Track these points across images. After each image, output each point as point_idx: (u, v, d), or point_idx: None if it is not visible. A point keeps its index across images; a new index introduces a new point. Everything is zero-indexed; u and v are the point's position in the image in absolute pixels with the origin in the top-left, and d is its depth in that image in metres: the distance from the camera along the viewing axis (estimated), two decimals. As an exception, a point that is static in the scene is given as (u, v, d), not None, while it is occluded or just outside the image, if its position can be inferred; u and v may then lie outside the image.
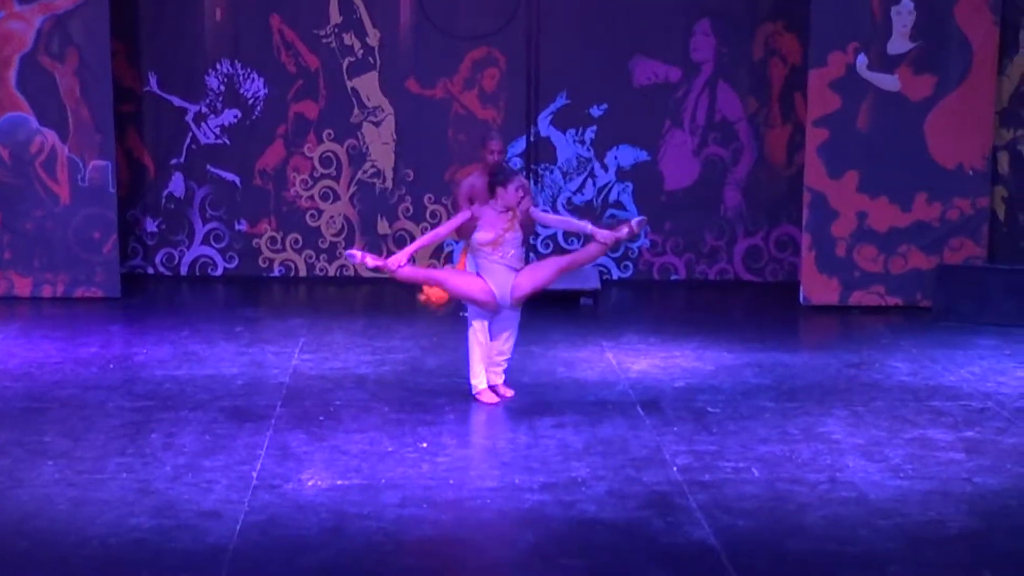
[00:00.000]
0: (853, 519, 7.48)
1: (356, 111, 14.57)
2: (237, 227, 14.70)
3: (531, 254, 14.34)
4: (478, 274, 9.64)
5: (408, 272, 9.63)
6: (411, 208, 14.60)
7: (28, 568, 6.85)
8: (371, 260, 9.54)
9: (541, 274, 9.67)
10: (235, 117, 14.55)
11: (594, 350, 11.48)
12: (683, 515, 7.53)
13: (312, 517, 7.45)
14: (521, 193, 9.59)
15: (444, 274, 9.95)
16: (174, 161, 14.59)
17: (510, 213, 9.59)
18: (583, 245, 9.78)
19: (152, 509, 7.53)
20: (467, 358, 9.82)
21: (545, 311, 13.06)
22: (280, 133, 14.58)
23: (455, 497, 7.84)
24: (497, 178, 9.60)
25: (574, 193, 14.69)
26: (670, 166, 14.69)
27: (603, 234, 9.63)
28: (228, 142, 14.58)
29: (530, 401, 9.81)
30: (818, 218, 13.26)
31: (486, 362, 9.80)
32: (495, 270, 9.54)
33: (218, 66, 14.47)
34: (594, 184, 14.70)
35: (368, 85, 14.54)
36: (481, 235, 9.56)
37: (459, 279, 9.68)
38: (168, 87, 14.50)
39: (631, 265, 14.79)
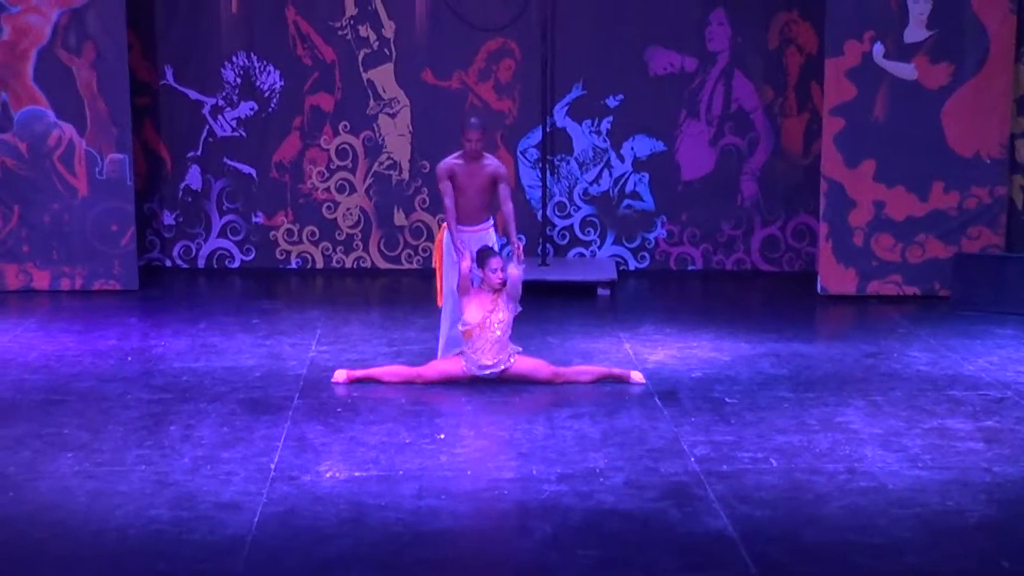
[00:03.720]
0: (871, 509, 7.47)
1: (372, 103, 14.58)
2: (254, 219, 14.72)
3: (548, 246, 14.35)
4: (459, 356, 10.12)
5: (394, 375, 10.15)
6: (427, 200, 14.60)
7: (47, 559, 6.87)
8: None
9: (531, 366, 10.09)
10: (251, 110, 14.57)
11: (611, 341, 11.48)
12: (701, 505, 7.53)
13: (330, 508, 7.46)
14: (501, 275, 9.92)
15: (429, 370, 10.19)
16: (191, 154, 14.62)
17: (496, 294, 9.93)
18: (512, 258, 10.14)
19: (170, 501, 7.55)
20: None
21: (562, 302, 13.08)
22: (296, 125, 14.60)
23: (472, 488, 7.85)
24: (477, 261, 10.03)
25: (591, 184, 14.69)
26: (686, 156, 14.68)
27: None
28: (244, 135, 14.60)
29: (547, 392, 9.81)
30: (835, 207, 13.24)
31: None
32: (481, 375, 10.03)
33: (234, 59, 14.49)
34: (611, 175, 14.69)
35: (384, 77, 14.55)
36: (469, 316, 9.92)
37: (440, 372, 10.10)
38: (184, 80, 14.52)
39: (648, 255, 14.79)
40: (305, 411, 9.32)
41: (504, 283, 9.90)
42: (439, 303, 10.55)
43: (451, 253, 10.45)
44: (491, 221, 10.67)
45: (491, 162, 10.56)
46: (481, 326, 9.88)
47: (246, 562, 6.78)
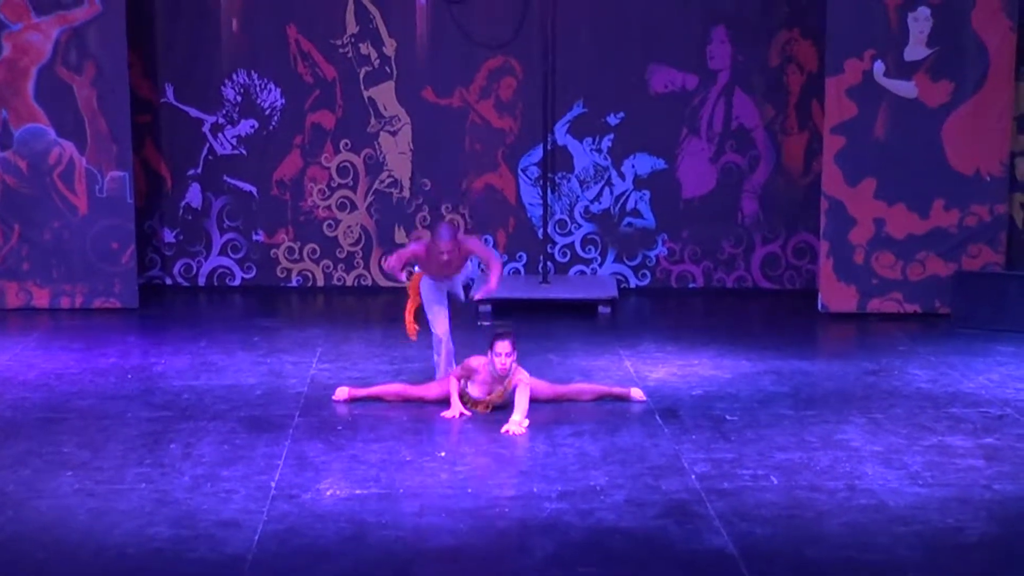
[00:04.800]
0: (872, 526, 7.47)
1: (373, 121, 14.59)
2: (254, 237, 14.72)
3: (549, 263, 14.34)
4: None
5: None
6: (428, 217, 14.60)
7: (47, 578, 6.87)
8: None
9: (533, 387, 9.82)
10: (252, 127, 14.57)
11: (612, 359, 11.47)
12: (701, 523, 7.52)
13: (331, 526, 7.45)
14: (507, 361, 9.57)
15: (429, 392, 10.09)
16: (191, 172, 14.62)
17: (503, 383, 9.67)
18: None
19: (171, 519, 7.54)
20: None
21: (563, 320, 13.07)
22: (297, 143, 14.60)
23: (473, 506, 7.84)
24: (491, 343, 9.69)
25: (591, 202, 14.69)
26: (687, 174, 14.68)
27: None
28: (245, 152, 14.61)
29: (548, 410, 9.79)
30: (836, 225, 13.24)
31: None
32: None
33: (234, 77, 14.49)
34: (611, 192, 14.69)
35: (385, 95, 14.56)
36: (471, 389, 9.78)
37: (442, 394, 9.93)
38: (185, 98, 14.53)
39: (649, 273, 14.78)
40: (306, 429, 9.31)
41: (508, 371, 9.60)
42: (412, 336, 10.55)
43: (431, 291, 10.42)
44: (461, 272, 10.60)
45: (461, 253, 10.28)
46: (485, 403, 9.76)
47: (246, 580, 6.78)
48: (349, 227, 14.72)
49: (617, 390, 10.15)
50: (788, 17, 14.41)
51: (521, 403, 9.41)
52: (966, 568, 6.99)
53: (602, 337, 12.42)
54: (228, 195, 14.67)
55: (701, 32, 14.48)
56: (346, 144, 14.60)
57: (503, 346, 9.56)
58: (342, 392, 10.09)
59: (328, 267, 14.76)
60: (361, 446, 8.91)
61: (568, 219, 14.72)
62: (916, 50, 13.05)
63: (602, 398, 10.06)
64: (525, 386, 9.54)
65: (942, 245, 13.21)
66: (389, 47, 14.49)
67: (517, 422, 9.27)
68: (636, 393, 10.09)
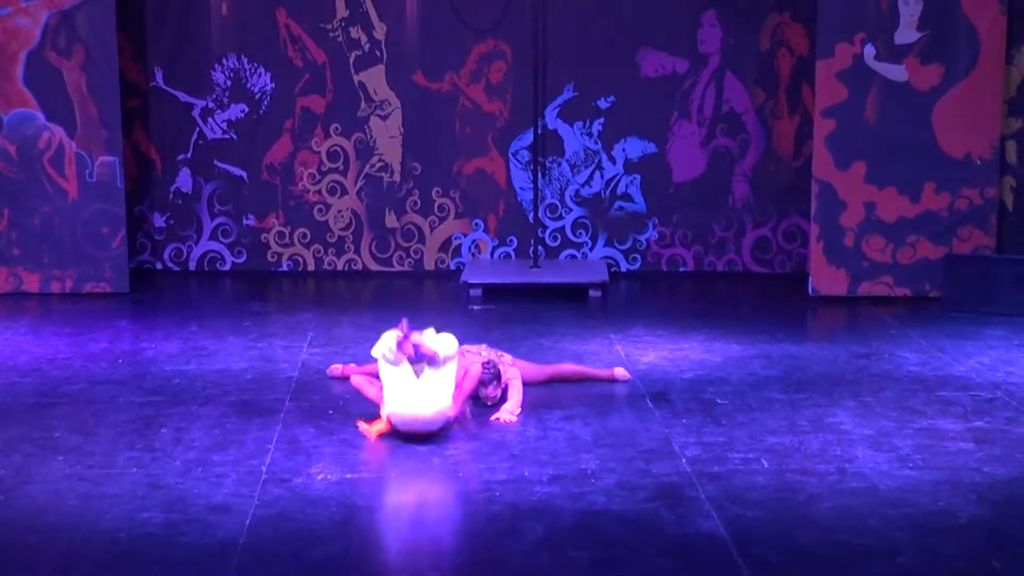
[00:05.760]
0: (863, 509, 7.48)
1: (363, 105, 14.57)
2: (245, 222, 14.70)
3: (540, 248, 14.34)
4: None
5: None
6: (419, 201, 14.60)
7: (38, 563, 6.86)
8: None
9: (522, 372, 9.74)
10: (242, 112, 14.55)
11: (602, 342, 11.48)
12: (692, 506, 7.53)
13: (322, 511, 7.45)
14: (490, 402, 9.44)
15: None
16: (181, 156, 14.60)
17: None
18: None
19: (162, 503, 7.55)
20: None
21: (553, 304, 13.07)
22: (287, 127, 14.58)
23: (464, 490, 7.85)
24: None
25: (582, 186, 14.68)
26: (678, 158, 14.67)
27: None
28: (235, 137, 14.58)
29: (539, 394, 9.80)
30: (826, 209, 13.25)
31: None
32: None
33: (224, 61, 14.47)
34: (602, 176, 14.68)
35: (375, 79, 14.54)
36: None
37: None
38: (174, 82, 14.50)
39: (639, 257, 14.78)
40: (297, 414, 9.31)
41: (496, 403, 9.48)
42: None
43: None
44: None
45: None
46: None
47: (237, 565, 6.77)
48: (340, 211, 14.70)
49: (601, 372, 10.16)
50: (778, 1, 14.40)
51: (514, 395, 9.42)
52: (956, 550, 7.00)
53: (593, 321, 12.43)
54: (218, 179, 14.65)
55: (692, 16, 14.46)
56: (336, 128, 14.59)
57: (488, 391, 9.48)
58: (336, 369, 10.14)
59: (319, 251, 14.75)
60: (352, 431, 8.91)
61: (559, 203, 14.71)
62: (906, 33, 13.05)
63: (584, 380, 10.07)
64: (518, 381, 9.54)
65: (932, 228, 13.21)
66: (379, 31, 14.46)
67: (509, 410, 9.27)
68: (619, 372, 10.10)
